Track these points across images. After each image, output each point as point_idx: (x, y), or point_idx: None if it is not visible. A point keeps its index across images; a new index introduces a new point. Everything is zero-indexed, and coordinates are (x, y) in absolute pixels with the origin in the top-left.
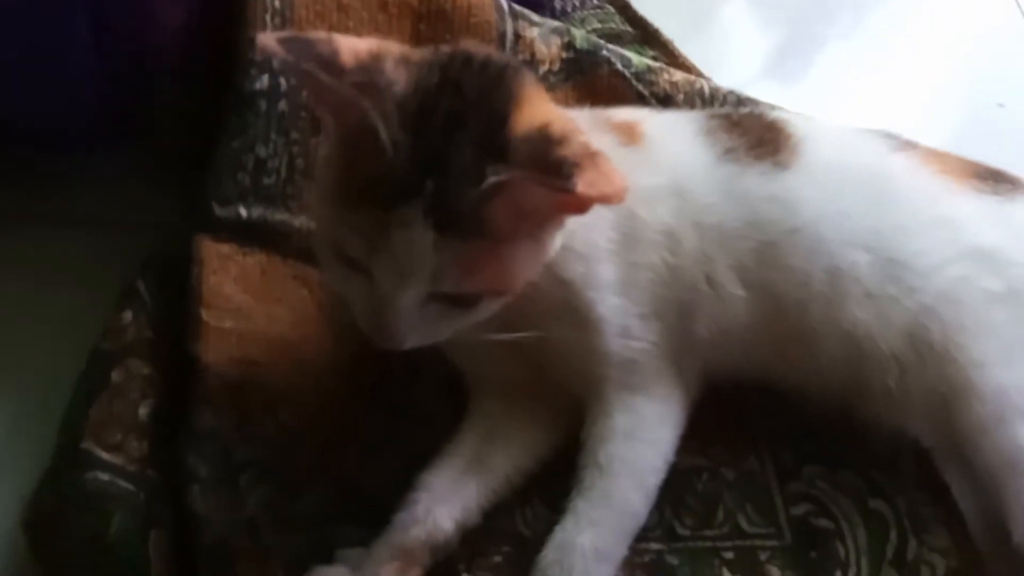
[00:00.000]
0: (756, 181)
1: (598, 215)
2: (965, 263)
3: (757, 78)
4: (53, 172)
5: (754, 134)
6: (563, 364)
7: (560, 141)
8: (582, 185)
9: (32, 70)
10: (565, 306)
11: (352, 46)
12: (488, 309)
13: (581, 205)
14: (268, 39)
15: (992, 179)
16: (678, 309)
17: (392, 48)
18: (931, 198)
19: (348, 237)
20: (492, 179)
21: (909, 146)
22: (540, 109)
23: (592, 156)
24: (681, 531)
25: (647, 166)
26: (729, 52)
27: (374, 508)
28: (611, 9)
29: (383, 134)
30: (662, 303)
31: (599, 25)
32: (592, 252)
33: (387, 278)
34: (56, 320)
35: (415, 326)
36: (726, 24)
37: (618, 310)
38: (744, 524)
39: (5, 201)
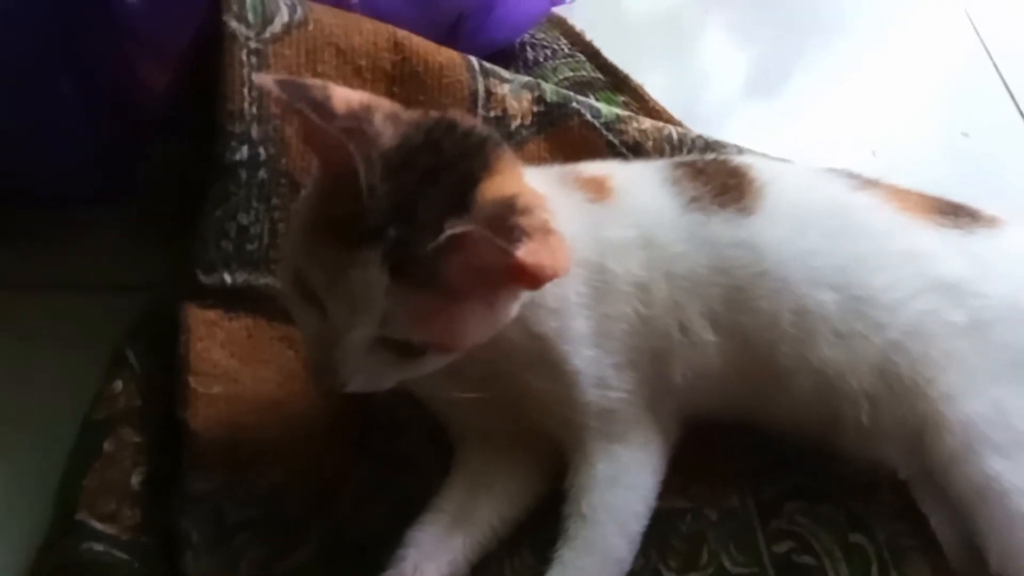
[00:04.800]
0: (722, 228)
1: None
2: (929, 297)
3: (736, 100)
4: (41, 237)
5: (718, 181)
6: (543, 416)
7: (522, 211)
8: (523, 251)
9: (20, 134)
10: (541, 360)
11: (346, 95)
12: (433, 363)
13: (528, 277)
14: (266, 79)
15: (953, 213)
16: (652, 357)
17: (384, 104)
18: (894, 234)
19: (310, 269)
20: (448, 232)
21: (870, 184)
22: (511, 181)
23: (546, 232)
24: (667, 574)
25: (617, 220)
26: (708, 76)
27: (366, 558)
28: (582, 57)
29: (363, 179)
30: (636, 352)
31: (571, 73)
32: (564, 307)
33: (339, 314)
34: (47, 384)
35: (360, 368)
36: (704, 51)
37: (593, 361)
38: (728, 564)
39: (1, 266)
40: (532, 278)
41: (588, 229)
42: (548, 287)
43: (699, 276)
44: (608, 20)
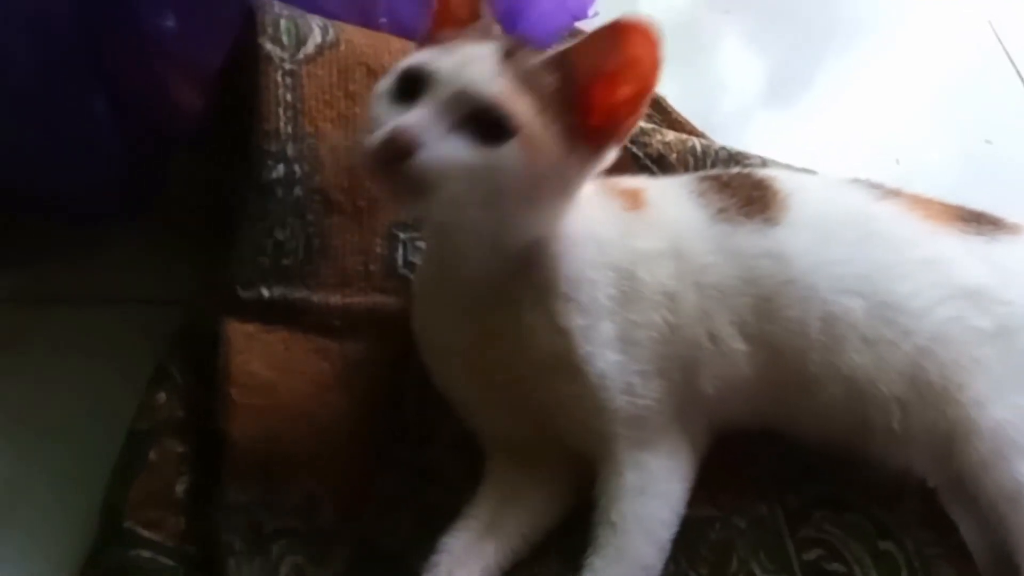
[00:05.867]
0: (749, 238)
1: (601, 272)
2: (955, 303)
3: (756, 108)
4: (70, 251)
5: (743, 193)
6: (572, 424)
7: None
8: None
9: (53, 148)
10: (565, 360)
11: None
12: (507, 161)
13: (637, 47)
14: None
15: (975, 221)
16: (681, 366)
17: None
18: (918, 242)
19: (424, 56)
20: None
21: (893, 194)
22: None
23: None
24: None
25: (649, 231)
26: (726, 85)
27: (396, 567)
28: None
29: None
30: (664, 361)
31: None
32: (594, 307)
33: (447, 64)
34: (80, 395)
35: (436, 140)
36: (723, 58)
37: (619, 367)
38: (758, 572)
39: (32, 281)
40: (642, 48)
41: (622, 235)
42: (583, 284)
43: (728, 286)
44: None
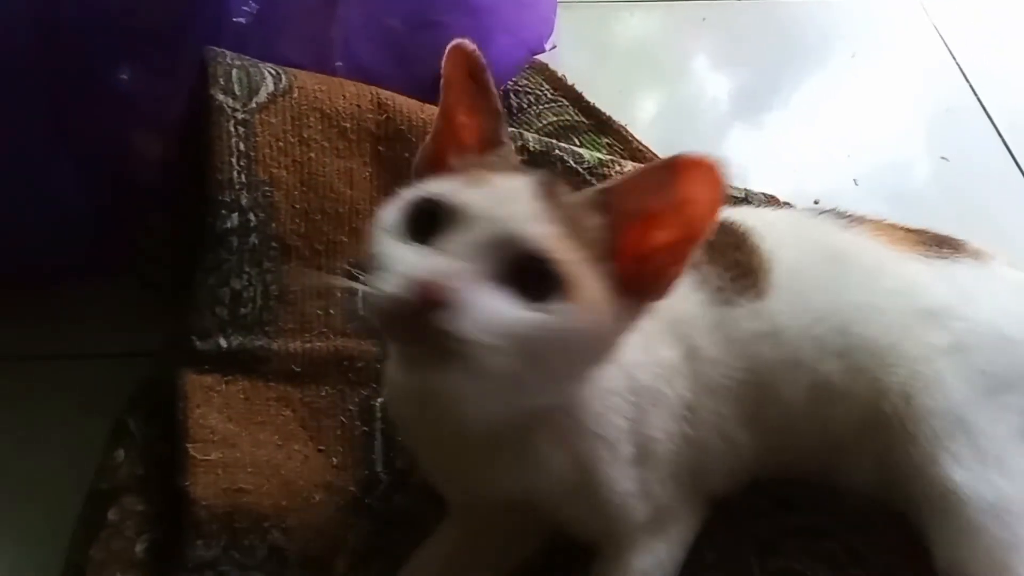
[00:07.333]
0: (745, 322)
1: (625, 397)
2: (918, 324)
3: (717, 133)
4: (41, 309)
5: (729, 257)
6: (583, 528)
7: None
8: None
9: (19, 208)
10: (583, 484)
11: None
12: (558, 322)
13: (697, 184)
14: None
15: (937, 245)
16: (691, 471)
17: None
18: (884, 271)
19: (439, 185)
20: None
21: (857, 222)
22: None
23: None
24: None
25: (663, 332)
26: (689, 111)
27: None
28: (565, 102)
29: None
30: (677, 467)
31: (554, 118)
32: (610, 433)
33: (482, 207)
34: (58, 452)
35: (474, 293)
36: (687, 84)
37: (639, 480)
38: None
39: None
40: (702, 184)
41: (645, 350)
42: (608, 417)
43: (736, 379)
44: (592, 56)
